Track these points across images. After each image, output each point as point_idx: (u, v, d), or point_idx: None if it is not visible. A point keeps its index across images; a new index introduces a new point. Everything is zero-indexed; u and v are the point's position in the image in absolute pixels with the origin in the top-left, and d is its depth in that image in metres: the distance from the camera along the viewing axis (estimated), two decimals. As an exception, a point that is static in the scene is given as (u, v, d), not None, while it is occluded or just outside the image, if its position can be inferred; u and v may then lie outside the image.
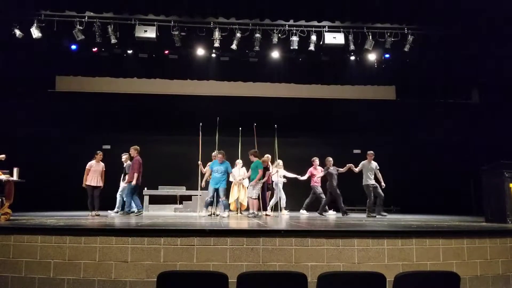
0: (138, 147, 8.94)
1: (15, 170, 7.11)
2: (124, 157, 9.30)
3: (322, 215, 9.30)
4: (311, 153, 10.36)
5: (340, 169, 9.33)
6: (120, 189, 9.24)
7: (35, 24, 9.26)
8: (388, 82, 12.83)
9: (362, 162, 9.20)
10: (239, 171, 9.41)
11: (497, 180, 6.92)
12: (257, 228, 5.44)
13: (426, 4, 9.57)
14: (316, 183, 9.67)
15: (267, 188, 9.22)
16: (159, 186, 11.29)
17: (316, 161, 9.83)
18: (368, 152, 9.24)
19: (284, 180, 9.80)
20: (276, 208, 9.56)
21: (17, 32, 9.31)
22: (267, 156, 9.32)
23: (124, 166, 9.24)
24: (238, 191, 9.33)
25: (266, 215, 8.78)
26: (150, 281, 4.29)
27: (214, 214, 8.86)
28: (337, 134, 12.77)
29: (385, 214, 9.06)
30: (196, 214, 8.70)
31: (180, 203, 10.91)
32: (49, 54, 10.90)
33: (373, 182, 9.00)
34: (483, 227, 6.19)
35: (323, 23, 10.03)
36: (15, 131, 11.06)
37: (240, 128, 9.56)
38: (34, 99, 11.84)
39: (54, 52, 10.92)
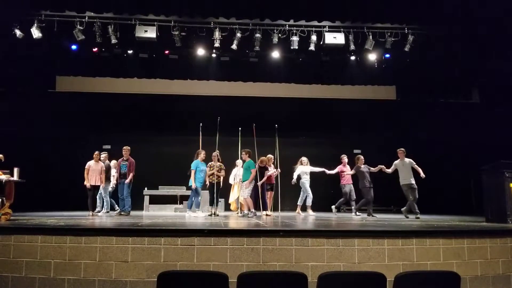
0: (129, 147, 9.10)
1: (15, 170, 7.11)
2: (103, 156, 9.12)
3: (357, 215, 9.02)
4: (311, 153, 10.33)
5: (371, 168, 9.02)
6: (104, 190, 9.03)
7: (35, 24, 9.25)
8: (388, 82, 12.81)
9: (395, 162, 8.76)
10: (239, 171, 9.40)
11: (497, 180, 6.94)
12: (257, 228, 5.44)
13: (426, 4, 9.56)
14: (344, 181, 9.39)
15: (267, 188, 9.22)
16: (159, 186, 11.29)
17: (345, 158, 9.57)
18: (398, 150, 8.79)
19: (306, 176, 9.54)
20: (303, 207, 9.55)
21: (17, 32, 9.30)
22: (268, 157, 9.31)
23: (104, 165, 9.01)
24: (238, 191, 9.32)
25: (266, 215, 8.78)
26: (151, 281, 4.29)
27: (214, 214, 8.87)
28: (337, 134, 12.77)
29: (410, 217, 8.39)
30: (196, 214, 8.70)
31: (181, 203, 10.91)
32: (49, 54, 10.87)
33: (408, 182, 8.41)
34: (483, 227, 6.20)
35: (323, 23, 10.02)
36: (15, 131, 11.05)
37: (240, 128, 9.55)
38: (34, 99, 11.84)
39: (54, 52, 10.90)
